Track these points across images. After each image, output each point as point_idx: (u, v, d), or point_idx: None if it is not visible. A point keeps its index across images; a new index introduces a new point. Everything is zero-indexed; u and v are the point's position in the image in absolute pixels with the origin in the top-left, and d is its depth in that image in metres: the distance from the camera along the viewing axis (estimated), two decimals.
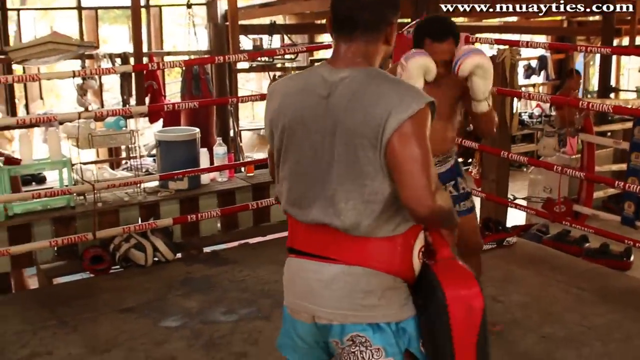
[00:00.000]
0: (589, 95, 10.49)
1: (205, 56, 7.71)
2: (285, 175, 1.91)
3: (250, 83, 12.92)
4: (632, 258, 5.05)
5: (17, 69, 7.44)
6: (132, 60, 7.36)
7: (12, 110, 7.61)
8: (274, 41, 8.16)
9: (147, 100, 7.16)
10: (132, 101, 7.41)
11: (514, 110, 5.54)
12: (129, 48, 7.77)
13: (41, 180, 6.65)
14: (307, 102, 1.82)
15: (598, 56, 9.77)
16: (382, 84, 1.75)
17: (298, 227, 1.91)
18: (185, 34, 7.75)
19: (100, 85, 7.97)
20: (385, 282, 1.81)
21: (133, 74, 7.21)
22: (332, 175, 1.78)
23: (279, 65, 8.35)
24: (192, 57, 7.70)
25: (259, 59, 7.54)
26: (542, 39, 10.52)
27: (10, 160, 4.64)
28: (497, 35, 7.67)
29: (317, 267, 1.84)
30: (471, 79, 2.94)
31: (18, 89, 8.30)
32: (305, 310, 1.89)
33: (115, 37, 11.94)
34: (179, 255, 4.84)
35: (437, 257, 1.84)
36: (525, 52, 9.61)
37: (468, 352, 1.75)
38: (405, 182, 1.70)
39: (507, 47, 5.15)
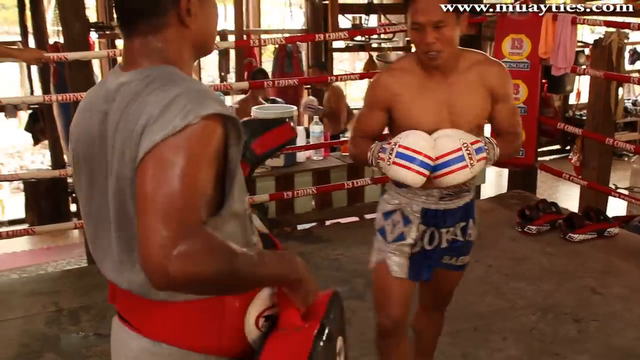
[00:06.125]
0: None
1: (302, 34, 7.75)
2: (82, 216, 1.44)
3: (342, 64, 12.93)
4: None
5: (120, 44, 7.68)
6: (229, 37, 7.48)
7: None
8: (371, 21, 8.12)
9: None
10: (229, 78, 7.55)
11: (619, 96, 5.32)
12: (226, 26, 7.90)
13: None
14: (90, 122, 1.35)
15: None
16: (156, 90, 1.24)
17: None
18: (280, 12, 7.83)
19: (198, 62, 8.14)
20: None
21: (232, 51, 7.34)
22: (113, 221, 1.32)
23: (374, 45, 8.29)
24: (287, 35, 7.76)
25: (355, 38, 7.51)
26: None
27: None
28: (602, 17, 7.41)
29: (125, 338, 1.41)
30: None
31: None
32: None
33: None
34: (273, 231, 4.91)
35: (278, 325, 1.37)
36: (631, 37, 9.21)
37: None
38: (139, 233, 1.15)
39: (614, 30, 4.95)
